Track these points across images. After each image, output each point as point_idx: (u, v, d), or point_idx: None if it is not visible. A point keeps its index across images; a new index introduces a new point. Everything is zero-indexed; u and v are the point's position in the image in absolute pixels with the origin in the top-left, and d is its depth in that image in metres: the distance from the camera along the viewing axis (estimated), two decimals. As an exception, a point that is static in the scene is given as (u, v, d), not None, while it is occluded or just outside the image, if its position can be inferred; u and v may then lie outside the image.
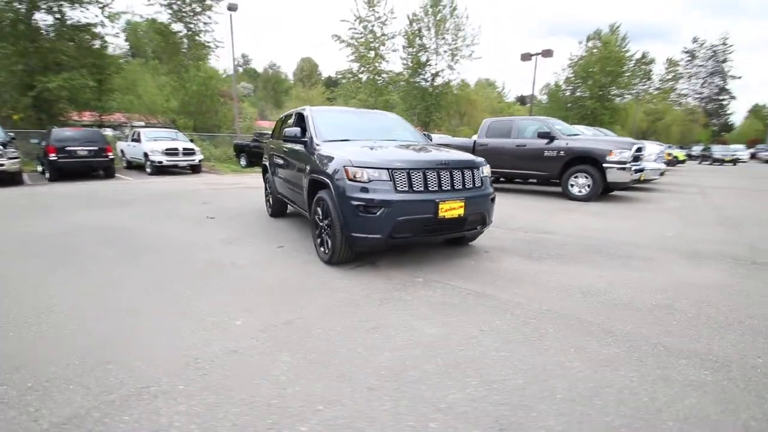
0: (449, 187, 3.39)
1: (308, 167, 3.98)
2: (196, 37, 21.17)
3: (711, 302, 2.83)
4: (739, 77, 35.50)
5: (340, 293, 2.97)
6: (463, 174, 3.49)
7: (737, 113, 52.02)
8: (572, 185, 7.96)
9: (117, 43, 20.35)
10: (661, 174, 10.77)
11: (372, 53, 27.39)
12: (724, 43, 35.44)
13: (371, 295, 2.92)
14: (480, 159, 3.79)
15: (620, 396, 1.76)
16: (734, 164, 25.87)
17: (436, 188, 3.33)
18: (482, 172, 3.70)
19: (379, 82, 27.26)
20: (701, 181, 13.45)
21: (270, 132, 7.83)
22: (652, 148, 10.58)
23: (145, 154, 13.06)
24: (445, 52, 29.49)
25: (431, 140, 5.15)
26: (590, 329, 2.40)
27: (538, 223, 5.68)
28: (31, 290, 2.96)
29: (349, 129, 4.50)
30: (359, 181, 3.22)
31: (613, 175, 7.49)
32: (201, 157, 14.22)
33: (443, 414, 1.64)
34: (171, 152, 13.09)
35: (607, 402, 1.72)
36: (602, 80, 33.15)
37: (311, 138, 4.18)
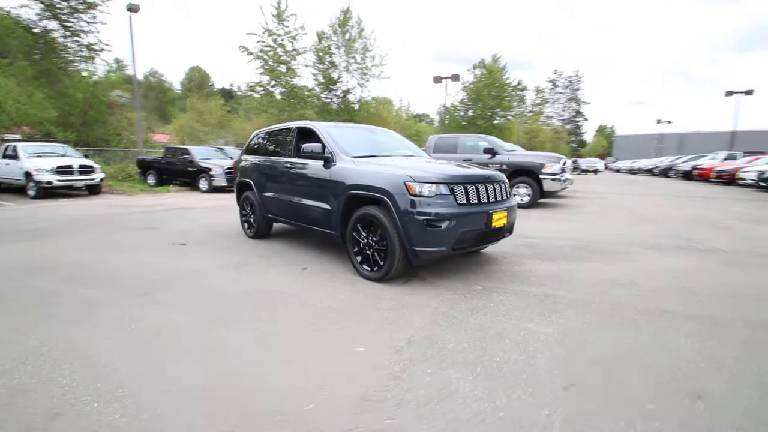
0: (494, 199, 3.65)
1: (340, 184, 3.86)
2: (77, 38, 18.16)
3: (703, 280, 3.58)
4: (589, 103, 43.67)
5: (423, 308, 2.97)
6: (501, 187, 3.80)
7: (588, 132, 64.68)
8: (514, 194, 8.97)
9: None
10: (571, 183, 12.72)
11: (283, 67, 26.81)
12: (576, 75, 43.33)
13: (455, 306, 2.99)
14: (502, 174, 4.14)
15: (724, 354, 2.18)
16: (595, 173, 31.67)
17: (486, 200, 3.56)
18: (508, 185, 4.06)
19: (292, 98, 26.71)
20: (590, 187, 16.22)
21: (172, 146, 7.17)
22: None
23: (27, 174, 10.69)
24: (355, 70, 30.40)
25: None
26: (656, 312, 2.85)
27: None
28: (63, 359, 2.32)
29: (364, 145, 4.47)
30: (423, 196, 3.27)
31: (548, 185, 8.68)
32: (102, 175, 12.18)
33: (657, 390, 1.84)
34: (64, 170, 10.94)
35: (715, 354, 2.12)
36: (490, 103, 37.70)
37: (334, 154, 4.06)
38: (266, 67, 26.51)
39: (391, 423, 1.67)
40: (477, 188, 3.50)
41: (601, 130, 62.06)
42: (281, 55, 26.69)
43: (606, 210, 8.74)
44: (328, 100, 30.65)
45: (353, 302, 3.10)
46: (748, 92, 27.73)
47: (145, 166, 15.10)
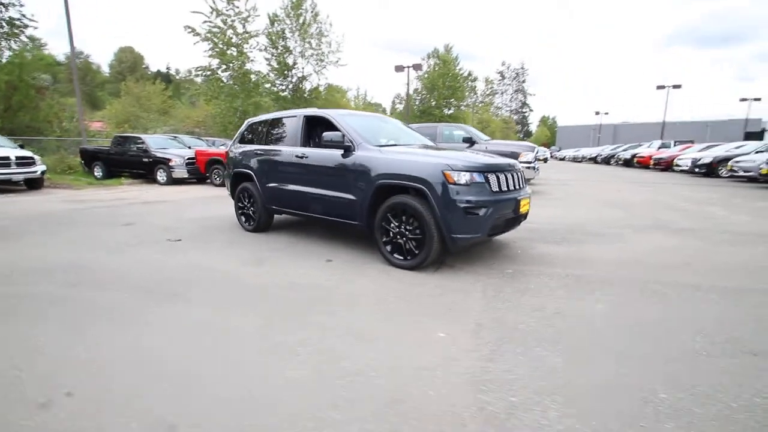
0: (517, 187, 3.82)
1: (367, 173, 3.82)
2: (-6, 10, 15.88)
3: (695, 256, 4.04)
4: (534, 94, 46.13)
5: (471, 293, 3.08)
6: (520, 175, 3.97)
7: (534, 122, 68.53)
8: (492, 182, 9.36)
9: None
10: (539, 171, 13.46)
11: (234, 50, 25.36)
12: (522, 68, 45.46)
13: (501, 290, 3.13)
14: (518, 162, 4.32)
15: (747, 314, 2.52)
16: (545, 162, 33.76)
17: (512, 188, 3.72)
18: (523, 174, 4.25)
19: (245, 84, 25.40)
20: (548, 175, 17.24)
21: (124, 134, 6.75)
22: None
23: (-47, 167, 9.32)
24: (311, 56, 29.59)
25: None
26: (677, 285, 3.18)
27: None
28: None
29: (379, 133, 4.45)
30: (461, 184, 3.35)
31: (525, 174, 9.13)
32: (44, 167, 10.91)
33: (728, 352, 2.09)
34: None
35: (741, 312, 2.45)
36: (445, 92, 38.51)
37: (355, 143, 4.01)
38: (216, 50, 24.95)
39: (516, 400, 1.75)
40: (505, 176, 3.64)
41: (544, 121, 66.12)
42: (231, 38, 25.24)
43: (573, 196, 9.39)
44: (283, 87, 29.65)
45: (403, 291, 3.12)
46: (677, 86, 30.91)
47: (89, 157, 13.71)
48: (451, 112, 40.13)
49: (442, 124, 10.53)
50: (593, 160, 28.77)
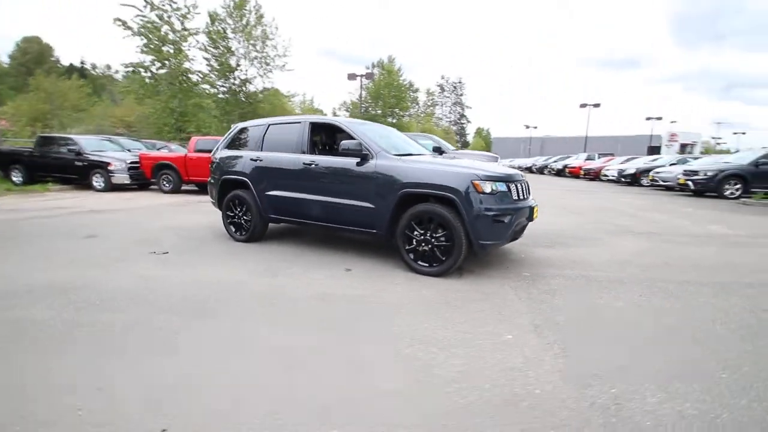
0: (528, 195, 4.08)
1: (389, 182, 3.83)
2: None
3: (672, 256, 4.61)
4: (471, 107, 48.96)
5: (507, 295, 3.24)
6: (527, 184, 4.25)
7: (471, 133, 72.50)
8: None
9: None
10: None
11: (171, 48, 23.66)
12: (460, 82, 48.08)
13: (531, 291, 3.32)
14: (521, 173, 4.62)
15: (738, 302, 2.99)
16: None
17: (526, 196, 3.97)
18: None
19: (185, 83, 23.79)
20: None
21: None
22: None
23: None
24: (255, 58, 28.60)
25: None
26: (675, 282, 3.62)
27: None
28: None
29: (389, 142, 4.48)
30: (488, 194, 3.51)
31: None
32: (-50, 171, 9.30)
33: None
34: None
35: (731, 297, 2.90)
36: (390, 102, 39.38)
37: (374, 151, 4.01)
38: (150, 46, 23.04)
39: (616, 391, 1.90)
40: (520, 185, 3.88)
41: (479, 132, 70.35)
42: (168, 34, 23.53)
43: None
44: (225, 88, 28.26)
45: (443, 298, 3.17)
46: (596, 105, 34.95)
47: (6, 160, 11.92)
48: (395, 121, 41.07)
49: (412, 134, 10.79)
50: (528, 169, 31.22)
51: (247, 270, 3.87)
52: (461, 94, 48.04)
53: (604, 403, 1.82)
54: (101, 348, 2.27)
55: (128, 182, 11.39)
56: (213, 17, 27.70)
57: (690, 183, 11.66)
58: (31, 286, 3.25)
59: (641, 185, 15.55)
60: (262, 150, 4.86)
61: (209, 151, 10.93)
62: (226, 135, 5.39)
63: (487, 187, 3.52)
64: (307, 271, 3.87)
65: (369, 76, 26.91)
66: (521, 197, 3.83)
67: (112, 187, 11.15)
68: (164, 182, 11.39)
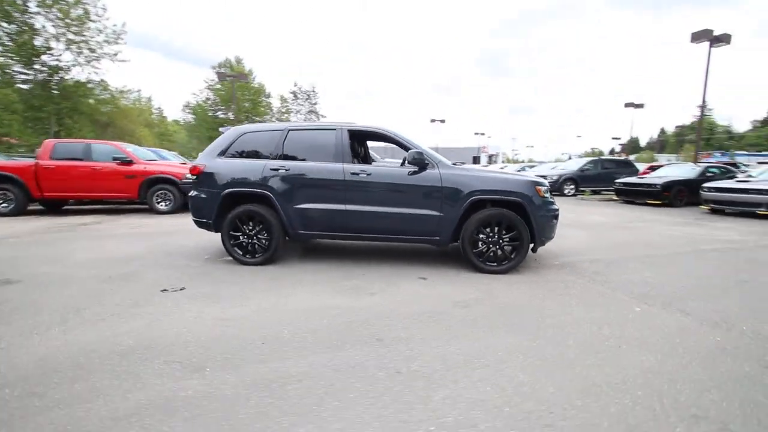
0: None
1: (456, 190, 4.02)
2: None
3: (628, 239, 6.13)
4: (326, 116, 50.00)
5: (577, 281, 3.88)
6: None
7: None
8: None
9: None
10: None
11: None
12: (313, 90, 48.57)
13: (574, 289, 4.06)
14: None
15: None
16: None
17: (551, 199, 4.72)
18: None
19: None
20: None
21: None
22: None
23: None
24: (73, 43, 22.83)
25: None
26: (666, 256, 4.92)
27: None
28: None
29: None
30: (545, 197, 4.12)
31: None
32: None
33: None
34: None
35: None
36: (246, 106, 36.98)
37: (436, 161, 4.15)
38: None
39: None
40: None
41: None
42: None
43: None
44: (28, 77, 21.63)
45: (545, 289, 3.60)
46: (442, 120, 40.91)
47: None
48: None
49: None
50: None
51: (328, 292, 3.47)
52: (315, 103, 48.39)
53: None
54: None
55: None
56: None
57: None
58: (79, 351, 2.23)
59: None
60: (283, 159, 4.31)
61: (77, 159, 8.51)
62: (217, 140, 4.50)
63: (544, 192, 4.12)
64: (387, 287, 3.65)
65: (243, 77, 24.61)
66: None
67: None
68: None
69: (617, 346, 2.49)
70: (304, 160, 4.31)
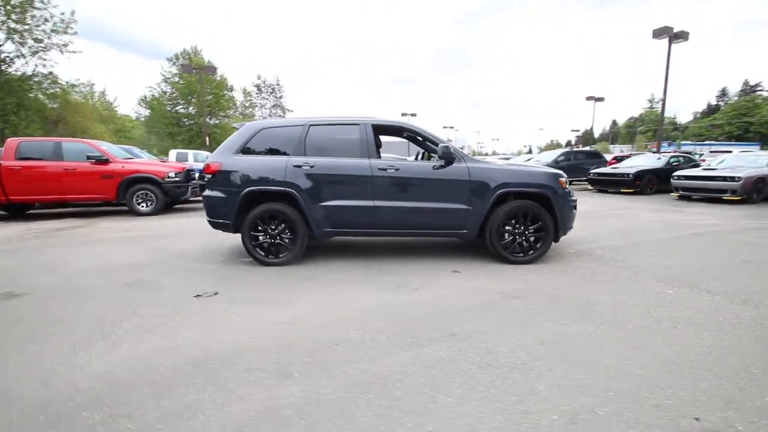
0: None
1: (484, 183, 4.08)
2: None
3: (622, 227, 6.45)
4: (292, 110, 48.85)
5: (599, 268, 4.07)
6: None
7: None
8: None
9: None
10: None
11: None
12: (278, 84, 47.29)
13: (602, 275, 4.26)
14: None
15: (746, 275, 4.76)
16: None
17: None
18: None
19: None
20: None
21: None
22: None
23: None
24: (16, 32, 20.94)
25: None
26: (675, 239, 5.23)
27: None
28: None
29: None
30: (567, 189, 4.27)
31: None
32: None
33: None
34: None
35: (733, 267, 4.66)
36: (208, 100, 35.44)
37: (461, 155, 4.18)
38: None
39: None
40: (563, 181, 4.79)
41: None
42: None
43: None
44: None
45: (580, 276, 3.75)
46: (414, 114, 41.42)
47: None
48: (218, 122, 37.40)
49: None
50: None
51: (371, 290, 3.44)
52: (280, 96, 47.15)
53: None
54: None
55: None
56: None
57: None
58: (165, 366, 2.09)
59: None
60: (305, 156, 4.18)
61: (46, 159, 7.83)
62: (233, 137, 4.29)
63: (566, 183, 4.27)
64: (426, 284, 3.62)
65: (211, 70, 23.48)
66: (568, 191, 4.75)
67: None
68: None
69: (672, 327, 2.64)
70: (327, 155, 4.21)
